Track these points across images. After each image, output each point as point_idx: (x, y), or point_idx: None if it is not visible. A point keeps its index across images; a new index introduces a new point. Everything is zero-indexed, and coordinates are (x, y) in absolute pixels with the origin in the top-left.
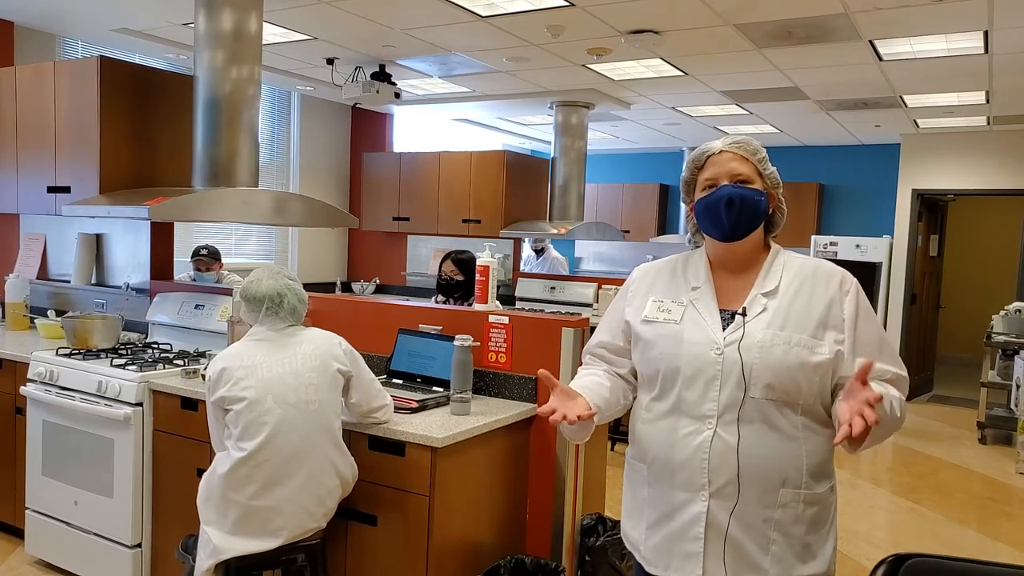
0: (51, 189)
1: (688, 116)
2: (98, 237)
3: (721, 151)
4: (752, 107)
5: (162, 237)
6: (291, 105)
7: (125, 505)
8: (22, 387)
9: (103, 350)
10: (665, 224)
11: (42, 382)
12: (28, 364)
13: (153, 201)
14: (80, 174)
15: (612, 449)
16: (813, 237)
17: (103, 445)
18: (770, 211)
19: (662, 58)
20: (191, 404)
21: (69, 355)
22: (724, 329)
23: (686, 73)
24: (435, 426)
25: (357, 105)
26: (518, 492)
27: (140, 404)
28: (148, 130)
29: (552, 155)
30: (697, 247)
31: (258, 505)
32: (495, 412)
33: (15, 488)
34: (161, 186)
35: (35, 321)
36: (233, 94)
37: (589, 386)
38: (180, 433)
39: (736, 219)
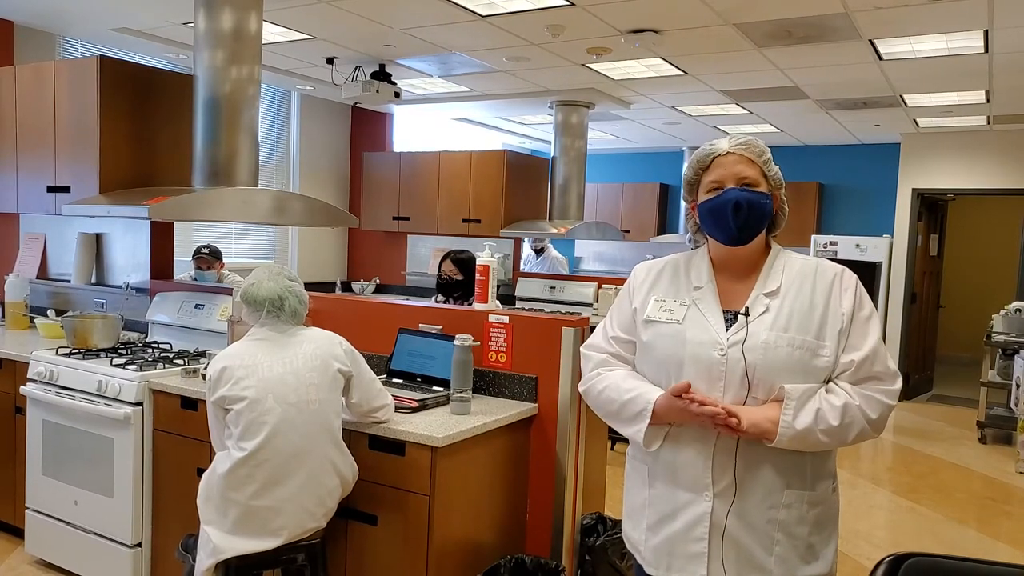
0: (51, 189)
1: (688, 116)
2: (98, 237)
3: (727, 152)
4: (752, 106)
5: (162, 237)
6: (291, 105)
7: (125, 504)
8: (22, 387)
9: (103, 350)
10: (665, 224)
11: (42, 382)
12: (28, 364)
13: (153, 200)
14: (80, 174)
15: (612, 448)
16: (813, 237)
17: (103, 444)
18: (773, 212)
19: (662, 57)
20: (191, 404)
21: (69, 355)
22: (727, 329)
23: (686, 73)
24: (435, 425)
25: (357, 105)
26: (518, 491)
27: (140, 404)
28: (148, 130)
29: (552, 155)
30: (698, 247)
31: (258, 505)
32: (495, 412)
33: (15, 487)
34: (161, 185)
35: (35, 321)
36: (233, 94)
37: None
38: (180, 433)
39: (743, 224)
